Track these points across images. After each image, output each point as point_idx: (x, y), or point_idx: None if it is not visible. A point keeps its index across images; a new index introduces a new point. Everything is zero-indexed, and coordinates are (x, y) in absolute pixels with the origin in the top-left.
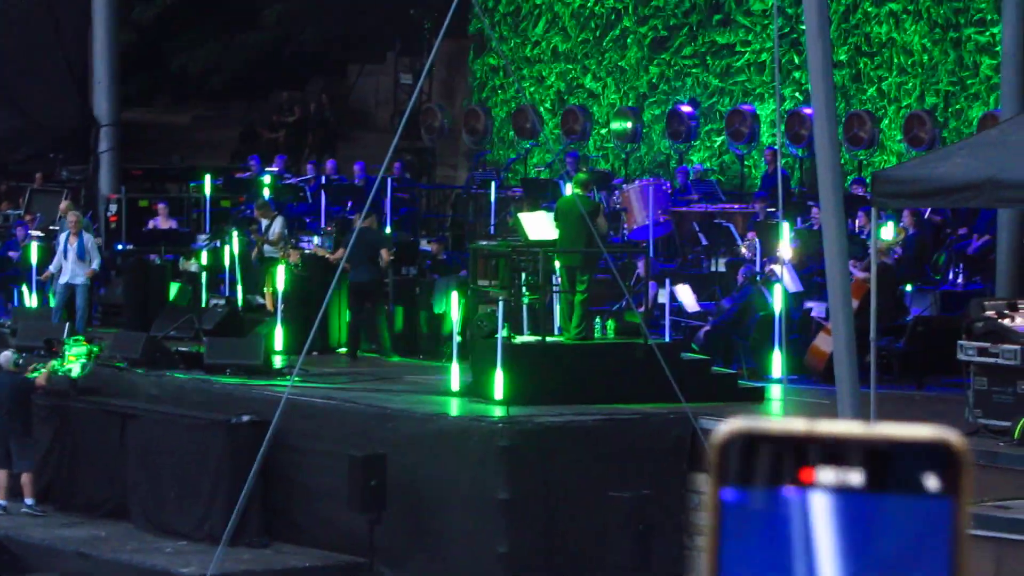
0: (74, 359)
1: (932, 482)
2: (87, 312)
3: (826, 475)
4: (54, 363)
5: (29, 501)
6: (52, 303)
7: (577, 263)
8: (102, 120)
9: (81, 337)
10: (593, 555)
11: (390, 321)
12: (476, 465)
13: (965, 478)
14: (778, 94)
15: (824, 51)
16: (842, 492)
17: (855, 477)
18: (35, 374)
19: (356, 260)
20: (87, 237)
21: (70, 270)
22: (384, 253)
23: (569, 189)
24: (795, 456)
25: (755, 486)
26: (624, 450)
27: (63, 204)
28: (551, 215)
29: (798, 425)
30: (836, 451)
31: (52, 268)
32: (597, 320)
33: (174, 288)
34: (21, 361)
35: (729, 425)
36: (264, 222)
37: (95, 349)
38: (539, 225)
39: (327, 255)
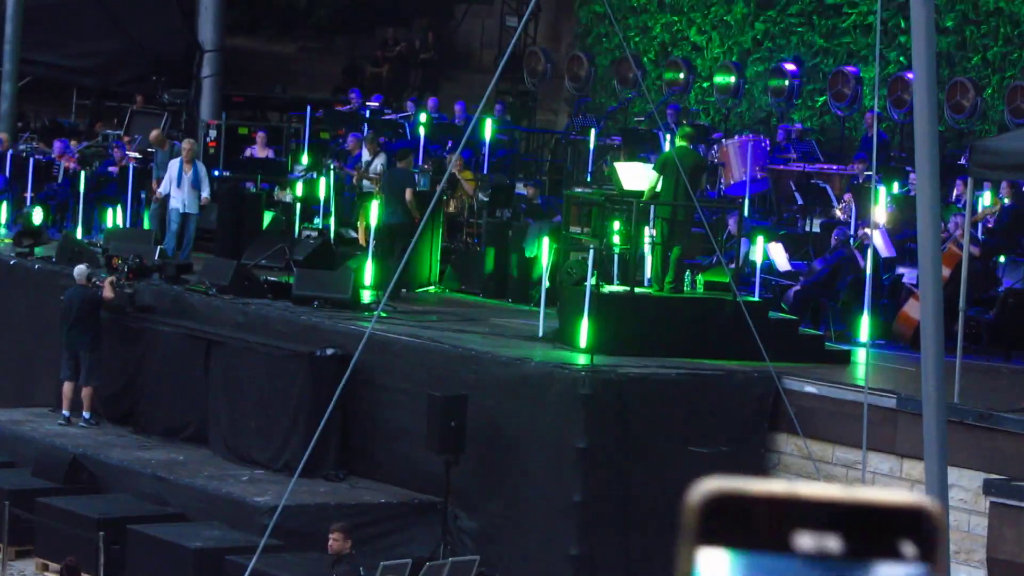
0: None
1: (909, 549)
2: (194, 240)
3: (804, 540)
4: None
5: (86, 415)
6: (147, 225)
7: (681, 217)
8: (206, 45)
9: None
10: (667, 509)
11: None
12: (556, 412)
13: (941, 545)
14: (877, 56)
15: (928, 16)
16: (820, 557)
17: (833, 542)
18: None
19: (388, 200)
20: (200, 166)
21: (184, 198)
22: (408, 193)
23: (668, 142)
24: (774, 519)
25: (733, 549)
26: (705, 406)
27: (154, 133)
28: (648, 166)
29: (777, 488)
30: (814, 515)
31: (161, 191)
32: (687, 274)
33: (268, 217)
34: (93, 276)
35: (707, 486)
36: (366, 156)
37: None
38: (634, 175)
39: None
